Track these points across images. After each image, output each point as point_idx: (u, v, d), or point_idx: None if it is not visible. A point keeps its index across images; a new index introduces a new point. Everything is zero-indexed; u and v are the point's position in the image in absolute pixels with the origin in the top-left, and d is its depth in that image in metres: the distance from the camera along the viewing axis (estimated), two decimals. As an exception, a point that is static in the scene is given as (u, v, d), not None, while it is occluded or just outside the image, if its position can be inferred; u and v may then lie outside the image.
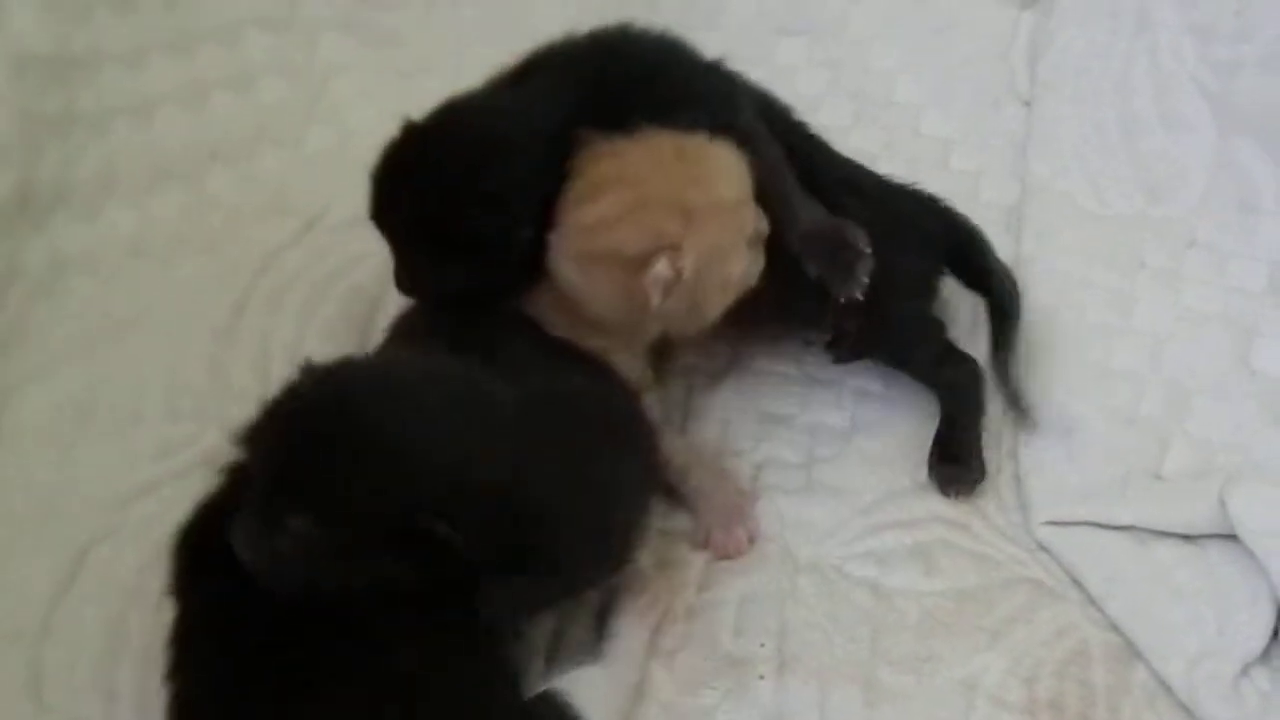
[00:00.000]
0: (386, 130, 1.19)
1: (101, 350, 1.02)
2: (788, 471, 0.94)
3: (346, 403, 0.68)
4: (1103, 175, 1.08)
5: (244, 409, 0.97)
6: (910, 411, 0.98)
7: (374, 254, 1.08)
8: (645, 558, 0.87)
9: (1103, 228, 1.05)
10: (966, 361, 0.96)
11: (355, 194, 1.14)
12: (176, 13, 1.17)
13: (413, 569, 0.67)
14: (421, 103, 1.22)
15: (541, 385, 0.77)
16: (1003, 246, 1.07)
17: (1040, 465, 0.92)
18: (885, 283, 0.87)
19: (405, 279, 0.87)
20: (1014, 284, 0.98)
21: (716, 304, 0.85)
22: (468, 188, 0.82)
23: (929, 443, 0.94)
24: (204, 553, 0.73)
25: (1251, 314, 0.98)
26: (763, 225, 0.85)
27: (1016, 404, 0.94)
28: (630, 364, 0.89)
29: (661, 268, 0.79)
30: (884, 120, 1.18)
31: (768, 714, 0.80)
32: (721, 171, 0.83)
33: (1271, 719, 0.78)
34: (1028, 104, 1.18)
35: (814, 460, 0.95)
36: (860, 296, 0.84)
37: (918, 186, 0.98)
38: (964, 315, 1.03)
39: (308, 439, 0.67)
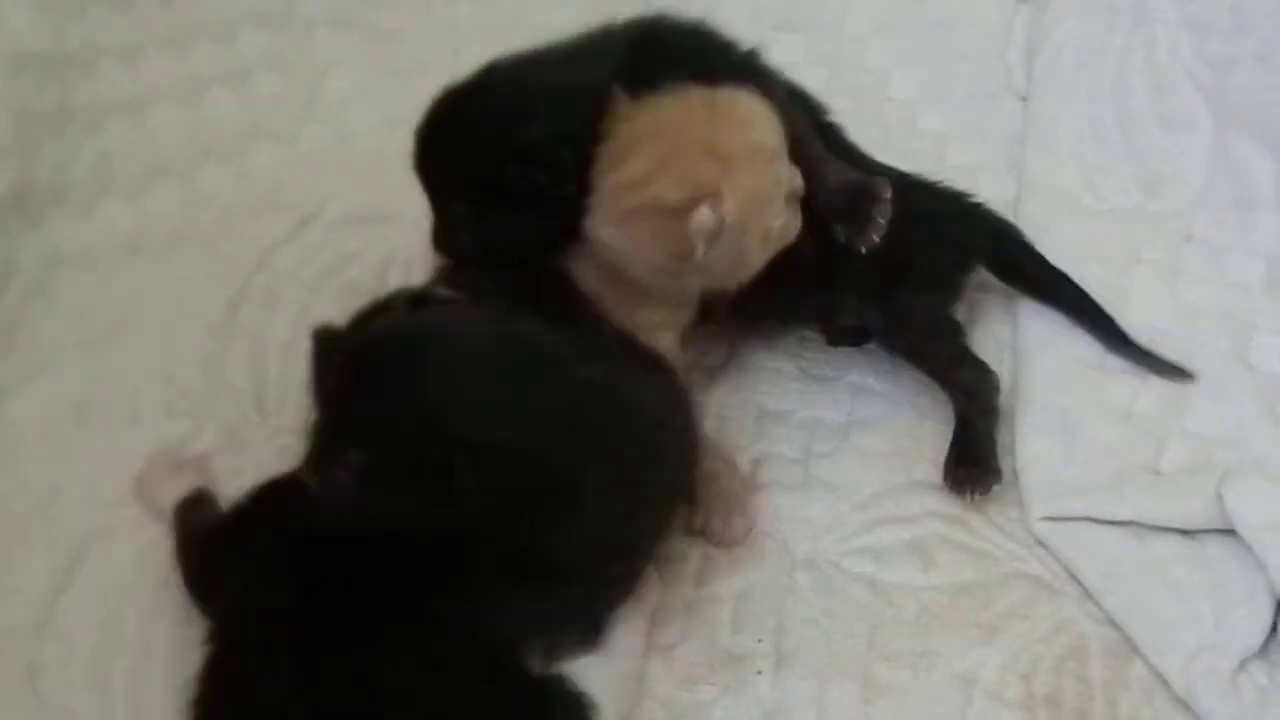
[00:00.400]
0: (382, 128, 1.20)
1: (98, 348, 1.02)
2: (785, 467, 0.94)
3: (397, 348, 0.71)
4: (1099, 170, 1.08)
5: (240, 406, 0.98)
6: (908, 408, 0.98)
7: (370, 250, 1.09)
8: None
9: (1099, 223, 1.05)
10: (984, 369, 0.95)
11: (351, 191, 1.15)
12: (172, 10, 1.17)
13: (437, 503, 0.69)
14: (418, 101, 1.21)
15: (602, 368, 0.77)
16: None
17: (1038, 461, 0.92)
18: (906, 272, 0.89)
19: (443, 235, 0.86)
20: (1059, 274, 0.98)
21: (758, 256, 0.84)
22: (508, 139, 0.82)
23: (926, 439, 0.95)
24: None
25: (1248, 309, 0.98)
26: (798, 183, 0.85)
27: (1152, 363, 0.95)
28: (673, 343, 0.89)
29: (704, 214, 0.78)
30: (881, 116, 1.18)
31: (765, 709, 0.80)
32: (754, 119, 0.83)
33: (1269, 713, 0.78)
34: (1024, 99, 1.18)
35: (811, 456, 0.95)
36: (877, 240, 0.85)
37: (946, 183, 0.98)
38: (961, 316, 1.03)
39: (358, 379, 0.71)
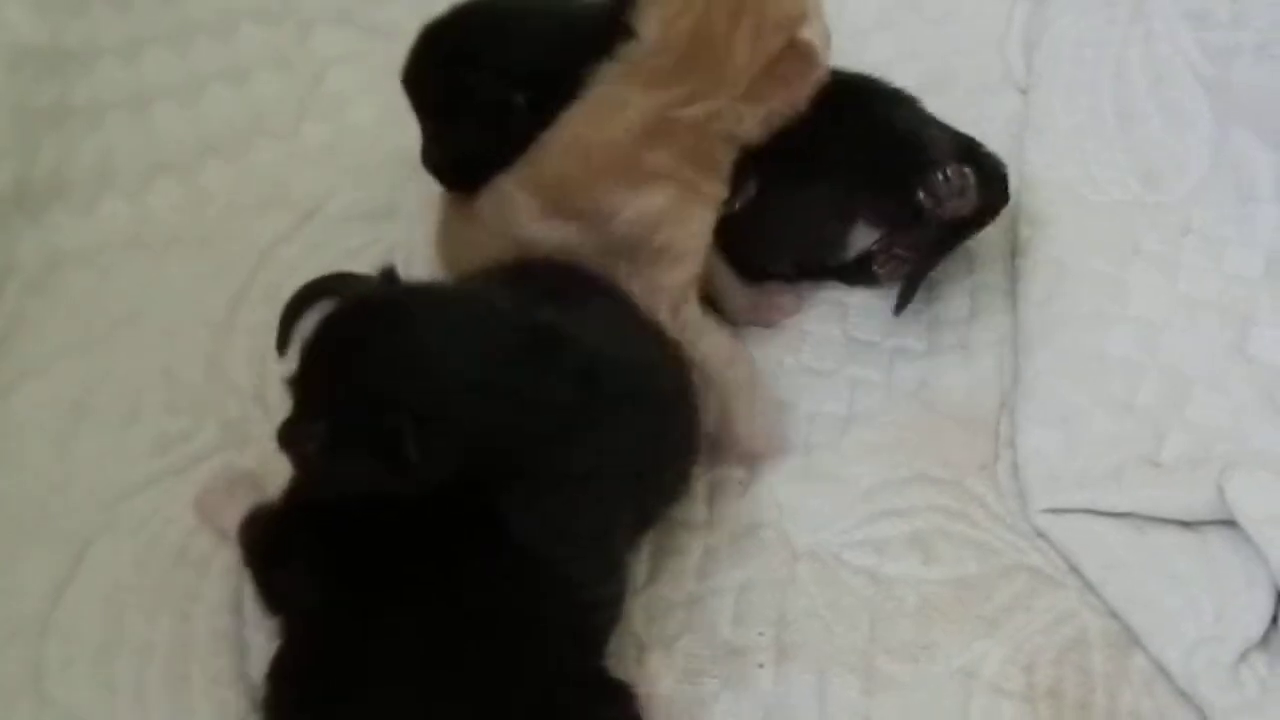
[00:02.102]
0: (383, 124, 1.20)
1: (98, 345, 1.02)
2: (786, 459, 0.94)
3: (359, 318, 0.76)
4: (1099, 162, 1.08)
5: (241, 404, 0.98)
6: (909, 400, 0.98)
7: (371, 246, 1.09)
8: (643, 545, 0.88)
9: (1099, 215, 1.05)
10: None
11: (352, 187, 1.15)
12: (172, 6, 1.17)
13: (390, 472, 0.70)
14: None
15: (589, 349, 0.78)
16: (999, 233, 1.08)
17: (1038, 453, 0.91)
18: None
19: (429, 148, 0.98)
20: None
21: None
22: (473, 56, 0.95)
23: (928, 431, 0.94)
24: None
25: (1248, 301, 0.98)
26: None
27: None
28: (709, 228, 0.91)
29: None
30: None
31: (767, 703, 0.80)
32: None
33: (1270, 705, 0.78)
34: (1024, 92, 1.18)
35: (812, 447, 0.94)
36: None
37: None
38: (960, 308, 1.04)
39: (322, 352, 0.74)
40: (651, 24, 0.89)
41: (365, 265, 1.05)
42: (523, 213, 0.91)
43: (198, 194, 1.13)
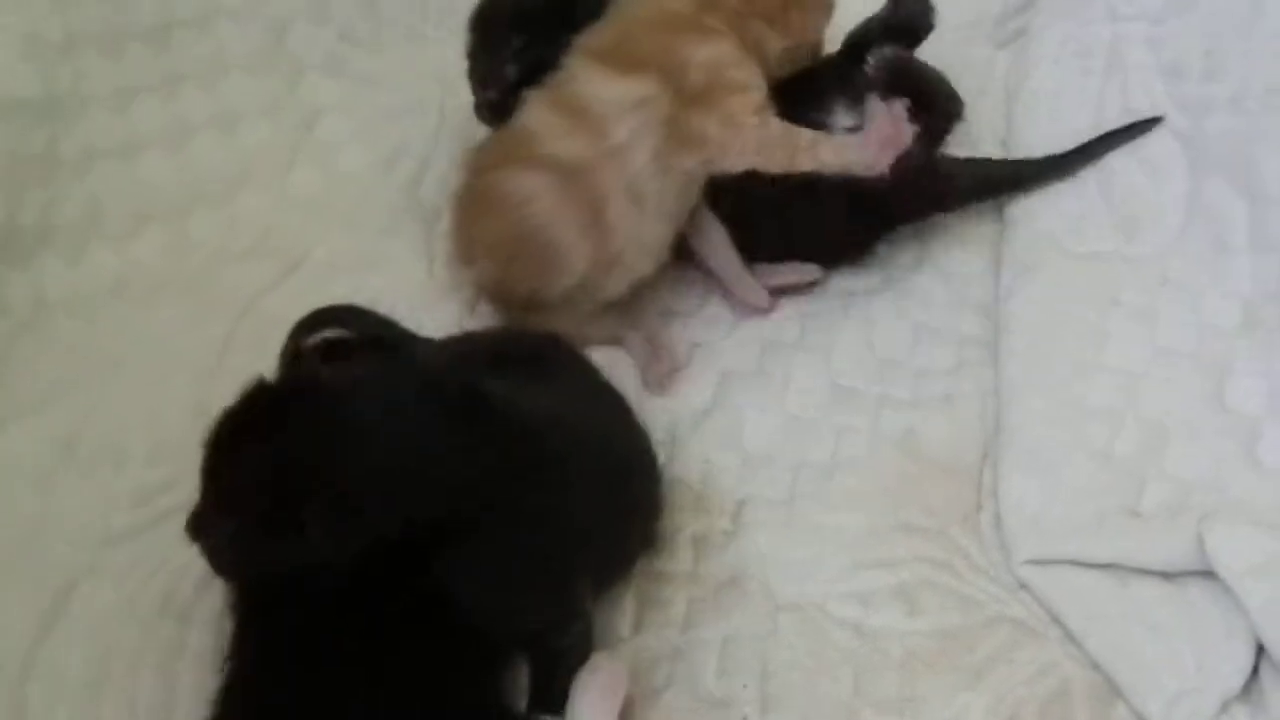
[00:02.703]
0: (371, 171, 1.21)
1: (84, 391, 1.02)
2: (770, 510, 0.94)
3: (261, 408, 0.76)
4: (1078, 213, 1.09)
5: (226, 452, 0.98)
6: (893, 449, 0.98)
7: (356, 294, 1.09)
8: (628, 597, 0.88)
9: (1078, 265, 1.06)
10: None
11: (338, 235, 1.16)
12: (162, 55, 1.17)
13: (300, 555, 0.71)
14: (406, 144, 1.24)
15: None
16: (982, 279, 1.10)
17: (1020, 503, 0.92)
18: None
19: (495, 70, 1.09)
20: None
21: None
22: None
23: (912, 480, 0.95)
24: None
25: (1226, 351, 0.99)
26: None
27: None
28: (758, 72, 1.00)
29: None
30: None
31: (752, 755, 0.80)
32: None
33: (1250, 755, 0.79)
34: (1004, 143, 1.20)
35: (796, 498, 0.95)
36: None
37: None
38: (945, 358, 1.05)
39: (227, 446, 0.75)
40: None
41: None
42: (597, 82, 0.98)
43: (185, 242, 1.13)
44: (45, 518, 0.93)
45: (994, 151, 1.19)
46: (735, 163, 0.99)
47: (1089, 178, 1.11)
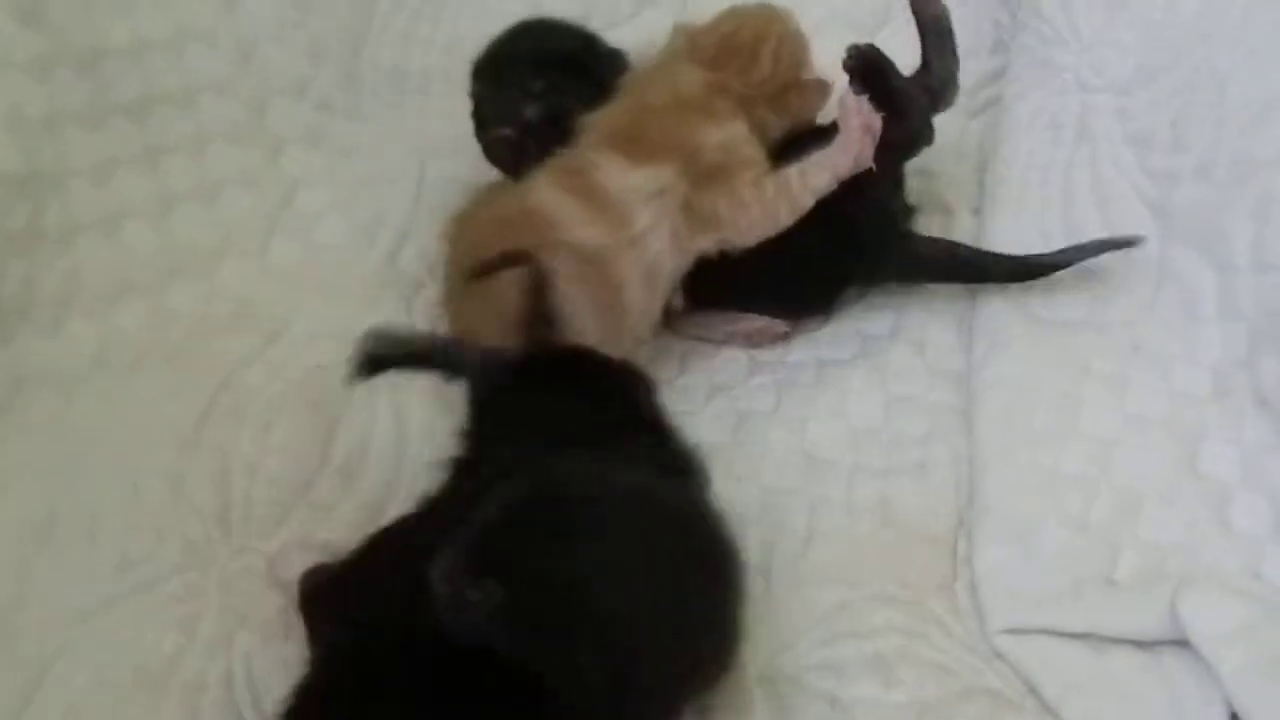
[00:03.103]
0: (351, 241, 1.22)
1: (61, 464, 1.01)
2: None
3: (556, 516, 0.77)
4: (1049, 280, 1.10)
5: (203, 524, 0.98)
6: (868, 519, 0.99)
7: (336, 364, 1.09)
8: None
9: (1052, 332, 1.07)
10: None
11: (318, 305, 1.16)
12: (144, 127, 1.19)
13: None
14: (386, 214, 1.25)
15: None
16: (955, 350, 1.10)
17: (995, 572, 0.93)
18: None
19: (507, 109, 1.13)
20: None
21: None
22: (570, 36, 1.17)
23: (887, 550, 0.96)
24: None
25: (1197, 419, 1.00)
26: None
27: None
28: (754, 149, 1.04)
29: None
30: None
31: (727, 831, 0.79)
32: None
33: (1229, 825, 0.79)
34: (978, 210, 1.22)
35: (772, 569, 0.95)
36: None
37: None
38: (918, 425, 1.05)
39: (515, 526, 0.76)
40: (680, 37, 1.09)
41: (329, 385, 1.06)
42: (616, 170, 1.00)
43: (164, 314, 1.13)
44: (21, 596, 0.92)
45: (967, 220, 1.21)
46: (747, 238, 1.03)
47: (1060, 244, 1.11)
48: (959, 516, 0.98)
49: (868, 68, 1.06)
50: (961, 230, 1.21)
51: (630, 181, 1.00)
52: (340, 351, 1.09)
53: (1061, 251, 1.09)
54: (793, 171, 1.03)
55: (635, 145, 1.01)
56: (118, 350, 1.10)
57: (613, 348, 1.01)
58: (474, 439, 0.91)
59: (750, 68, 1.05)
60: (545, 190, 1.02)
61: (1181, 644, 0.86)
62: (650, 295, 1.03)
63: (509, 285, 0.98)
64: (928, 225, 1.20)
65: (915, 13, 1.13)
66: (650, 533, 0.77)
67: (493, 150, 1.13)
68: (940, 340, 1.12)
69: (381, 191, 1.27)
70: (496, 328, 0.99)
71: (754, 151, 1.04)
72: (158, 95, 1.19)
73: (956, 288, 1.15)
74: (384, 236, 1.23)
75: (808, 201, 1.03)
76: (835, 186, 1.02)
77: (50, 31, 1.11)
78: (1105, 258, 1.10)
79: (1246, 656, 0.83)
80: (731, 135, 1.03)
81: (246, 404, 1.05)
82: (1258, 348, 1.00)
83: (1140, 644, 0.88)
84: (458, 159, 1.29)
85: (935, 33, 1.13)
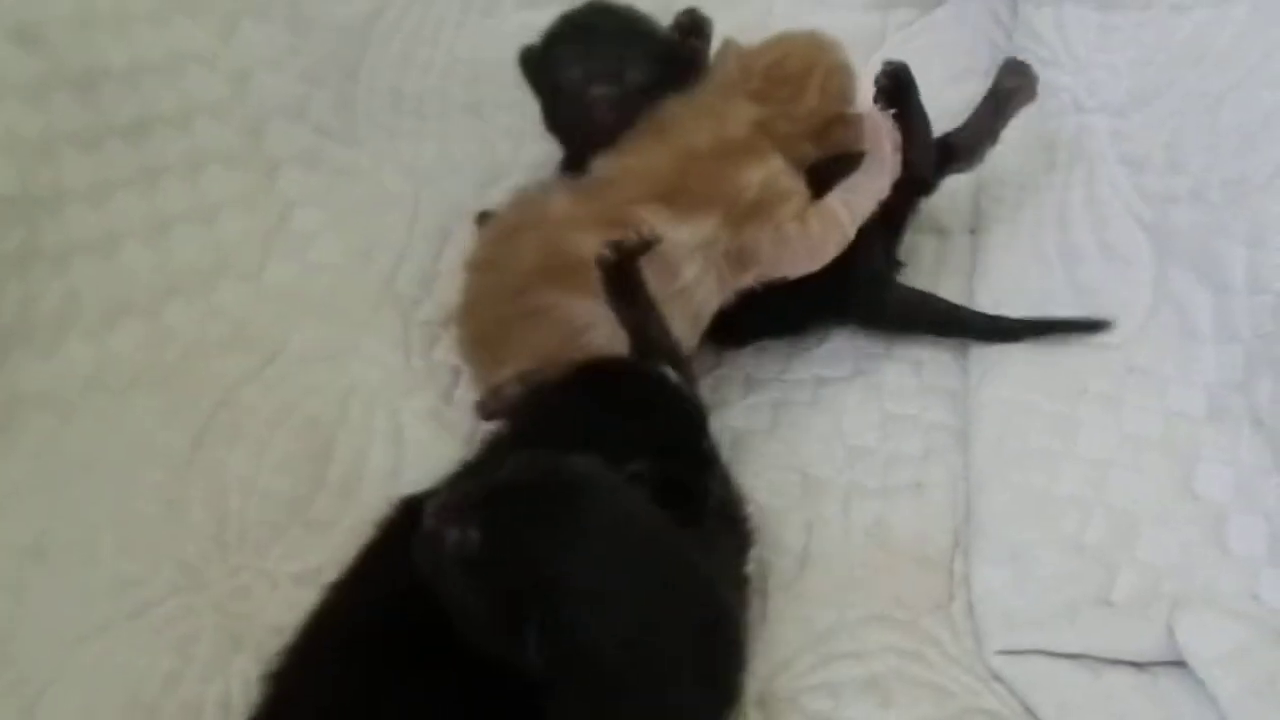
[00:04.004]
0: (346, 262, 1.22)
1: (57, 486, 1.01)
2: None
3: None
4: (1045, 302, 1.11)
5: (199, 545, 0.98)
6: (864, 539, 0.99)
7: (331, 384, 1.10)
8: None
9: (1046, 354, 1.07)
10: None
11: (314, 325, 1.16)
12: (140, 149, 1.19)
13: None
14: (382, 235, 1.25)
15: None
16: (951, 368, 1.11)
17: (991, 593, 0.93)
18: None
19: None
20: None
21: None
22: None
23: (882, 571, 0.95)
24: None
25: (1192, 439, 1.00)
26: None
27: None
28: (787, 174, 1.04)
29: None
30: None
31: None
32: None
33: (1226, 847, 0.79)
34: (972, 233, 1.22)
35: (769, 590, 0.95)
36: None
37: None
38: (914, 446, 1.05)
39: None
40: (730, 60, 1.08)
41: (325, 406, 1.07)
42: (661, 226, 0.97)
43: (161, 334, 1.13)
44: (15, 622, 0.92)
45: (963, 240, 1.22)
46: (790, 272, 1.03)
47: (1056, 265, 1.13)
48: (955, 537, 0.98)
49: (897, 86, 1.06)
50: (957, 250, 1.21)
51: (677, 236, 0.98)
52: (336, 372, 1.11)
53: (1034, 322, 1.08)
54: (836, 202, 1.02)
55: (680, 197, 1.00)
56: (114, 371, 1.10)
57: None
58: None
59: (797, 98, 1.06)
60: (588, 238, 0.97)
61: (1178, 665, 0.86)
62: (694, 334, 1.03)
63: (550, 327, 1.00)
64: (923, 246, 1.21)
65: (1002, 74, 1.14)
66: (638, 563, 0.76)
67: (593, 110, 1.11)
68: (936, 358, 1.12)
69: (378, 212, 1.28)
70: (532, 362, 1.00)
71: (792, 183, 1.04)
72: (155, 117, 1.19)
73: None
74: (380, 257, 1.23)
75: (852, 231, 1.02)
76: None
77: (48, 54, 1.12)
78: (1101, 279, 1.10)
79: (1243, 679, 0.83)
80: (771, 170, 1.03)
81: (243, 424, 1.05)
82: (1253, 369, 1.00)
83: (1137, 665, 0.88)
84: (454, 180, 1.30)
85: (1001, 100, 1.13)
